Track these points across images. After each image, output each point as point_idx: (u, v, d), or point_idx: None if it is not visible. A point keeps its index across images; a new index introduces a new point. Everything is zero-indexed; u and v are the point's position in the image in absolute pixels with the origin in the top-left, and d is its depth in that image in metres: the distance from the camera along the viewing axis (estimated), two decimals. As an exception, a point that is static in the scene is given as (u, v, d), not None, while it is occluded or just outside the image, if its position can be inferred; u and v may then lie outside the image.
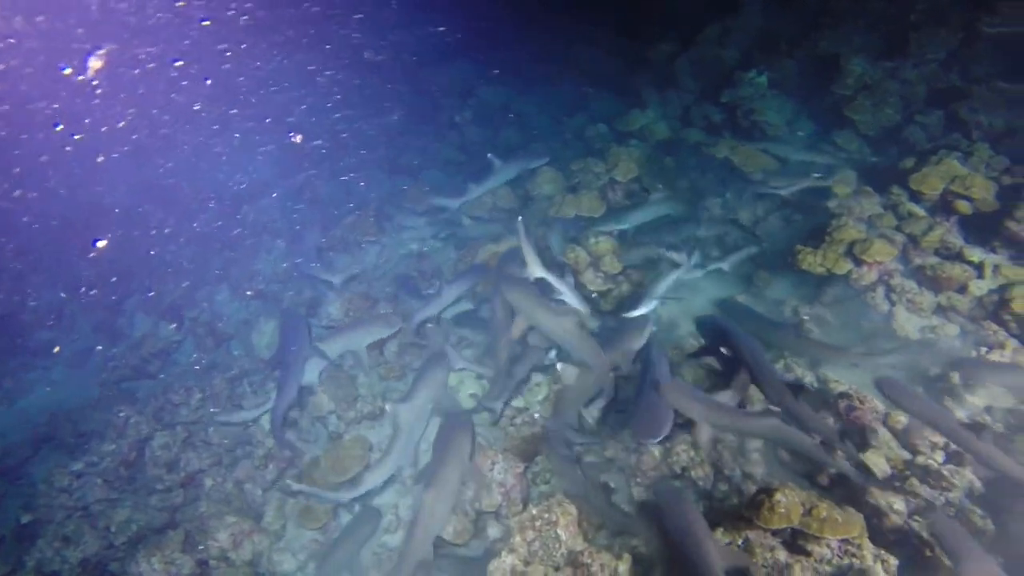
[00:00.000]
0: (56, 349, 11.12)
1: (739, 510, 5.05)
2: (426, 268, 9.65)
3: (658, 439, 5.43)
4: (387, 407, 7.19)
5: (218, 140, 11.59)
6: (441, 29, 14.23)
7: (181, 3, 10.82)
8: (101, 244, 10.52)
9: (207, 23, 10.89)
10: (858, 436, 5.57)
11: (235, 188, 11.67)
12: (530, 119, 13.25)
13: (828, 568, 4.63)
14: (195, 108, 11.30)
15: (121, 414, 8.26)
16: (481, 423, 7.15)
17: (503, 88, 14.36)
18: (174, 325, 9.97)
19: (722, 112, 10.97)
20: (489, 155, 9.66)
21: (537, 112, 13.45)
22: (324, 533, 6.88)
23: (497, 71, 14.45)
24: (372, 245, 10.28)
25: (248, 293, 9.91)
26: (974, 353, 6.04)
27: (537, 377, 7.28)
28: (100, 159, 10.61)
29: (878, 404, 5.72)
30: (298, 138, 11.51)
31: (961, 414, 5.65)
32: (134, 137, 10.93)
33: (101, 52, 10.09)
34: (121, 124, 10.66)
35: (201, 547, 6.63)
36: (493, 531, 6.25)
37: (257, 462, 7.46)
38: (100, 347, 10.93)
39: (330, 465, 7.00)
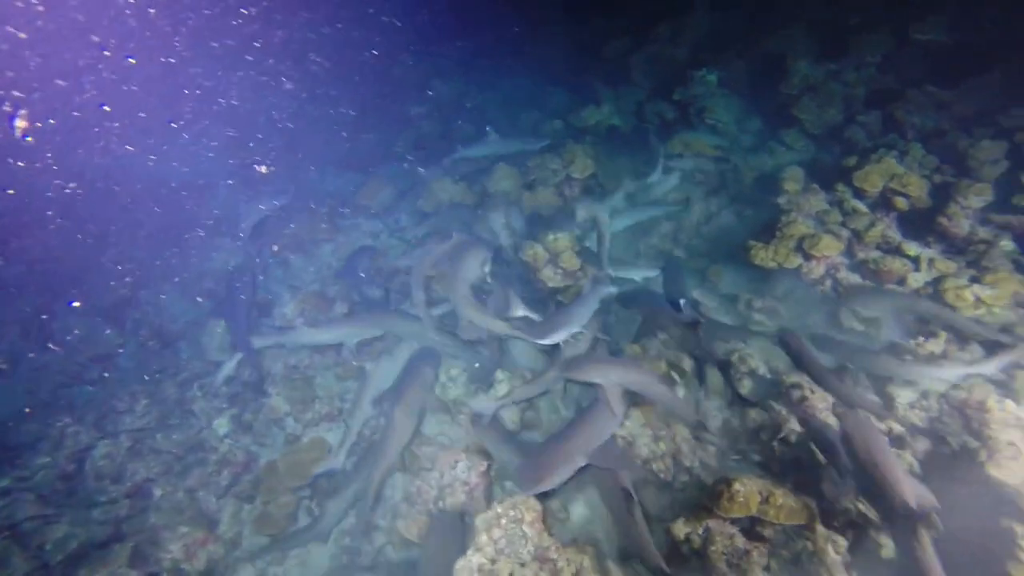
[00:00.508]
0: None
1: (700, 500, 5.19)
2: (381, 265, 9.50)
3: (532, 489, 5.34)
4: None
5: (164, 135, 11.01)
6: (394, 22, 13.97)
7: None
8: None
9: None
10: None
11: (181, 183, 11.12)
12: (486, 114, 13.19)
13: (784, 552, 4.82)
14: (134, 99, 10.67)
15: (58, 424, 7.80)
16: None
17: (458, 82, 14.26)
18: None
19: (674, 109, 11.19)
20: (488, 128, 9.94)
21: (493, 107, 13.41)
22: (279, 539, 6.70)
23: (451, 65, 14.33)
24: (326, 244, 10.03)
25: (199, 299, 9.51)
26: (911, 343, 6.37)
27: (500, 374, 7.28)
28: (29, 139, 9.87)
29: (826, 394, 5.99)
30: (264, 169, 11.13)
31: (903, 399, 5.94)
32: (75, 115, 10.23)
33: (23, 113, 9.68)
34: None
35: (152, 560, 6.33)
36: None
37: (211, 468, 7.19)
38: (32, 354, 10.28)
39: (287, 468, 6.83)
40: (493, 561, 5.02)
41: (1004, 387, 5.80)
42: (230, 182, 11.28)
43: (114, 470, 7.36)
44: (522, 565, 4.97)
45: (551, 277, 7.67)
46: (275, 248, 9.76)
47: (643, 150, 9.96)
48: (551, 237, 7.73)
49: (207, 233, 10.99)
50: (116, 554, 6.39)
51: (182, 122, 11.10)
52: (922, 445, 5.48)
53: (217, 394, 8.21)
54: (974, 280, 6.53)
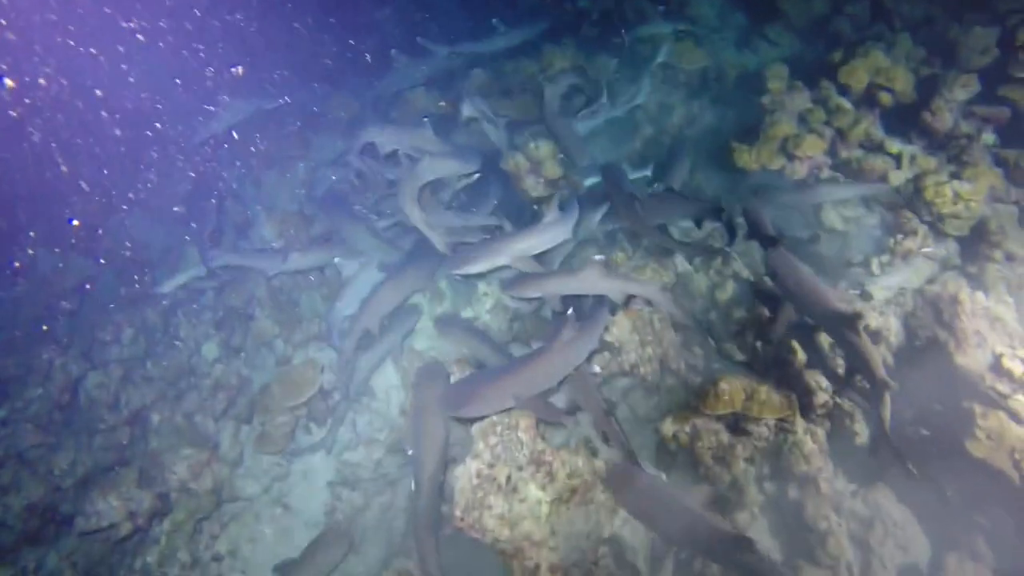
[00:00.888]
0: None
1: (687, 400, 5.44)
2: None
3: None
4: None
5: (123, 54, 10.15)
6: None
7: None
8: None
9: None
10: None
11: (145, 105, 10.40)
12: (453, 16, 12.37)
13: (766, 445, 5.14)
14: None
15: (44, 356, 7.75)
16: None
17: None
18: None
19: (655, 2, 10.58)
20: (494, 20, 9.62)
21: (459, 8, 12.55)
22: (284, 457, 6.94)
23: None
24: (299, 161, 9.65)
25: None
26: (891, 241, 6.49)
27: (484, 287, 7.31)
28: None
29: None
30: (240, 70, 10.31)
31: (882, 294, 6.15)
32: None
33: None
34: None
35: (159, 481, 6.54)
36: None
37: (205, 393, 7.29)
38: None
39: (282, 390, 6.94)
40: (491, 466, 5.26)
41: (976, 280, 6.01)
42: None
43: (109, 398, 7.43)
44: (519, 469, 5.23)
45: (533, 186, 7.54)
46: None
47: (624, 49, 9.52)
48: (532, 145, 7.51)
49: (171, 154, 10.47)
50: (125, 476, 6.58)
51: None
52: (896, 339, 5.71)
53: (203, 320, 8.17)
54: (954, 176, 6.57)
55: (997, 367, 4.73)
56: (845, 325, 4.69)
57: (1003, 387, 4.58)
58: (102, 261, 9.39)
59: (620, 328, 6.21)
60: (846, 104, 7.59)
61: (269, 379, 7.29)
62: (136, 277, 9.41)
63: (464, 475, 5.24)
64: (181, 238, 9.49)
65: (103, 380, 7.59)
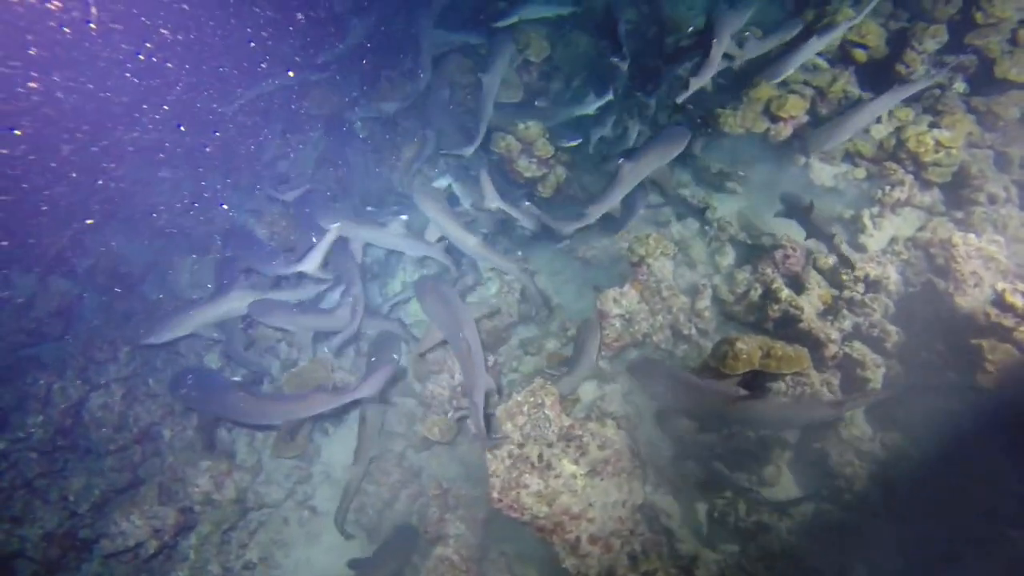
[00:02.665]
0: None
1: (705, 363, 5.58)
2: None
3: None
4: None
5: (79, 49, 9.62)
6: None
7: None
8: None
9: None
10: (793, 282, 6.17)
11: (110, 108, 9.94)
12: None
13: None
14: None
15: (41, 382, 7.52)
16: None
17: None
18: None
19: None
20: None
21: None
22: (303, 460, 6.92)
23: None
24: (281, 161, 9.47)
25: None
26: (879, 193, 6.71)
27: (488, 272, 7.35)
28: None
29: (806, 247, 6.36)
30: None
31: (874, 246, 6.38)
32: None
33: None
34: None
35: (180, 495, 6.46)
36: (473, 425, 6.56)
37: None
38: None
39: (294, 391, 6.88)
40: (521, 446, 5.36)
41: (963, 224, 6.27)
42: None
43: (115, 419, 7.27)
44: (549, 445, 5.33)
45: (527, 167, 7.57)
46: None
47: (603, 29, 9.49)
48: (521, 126, 7.53)
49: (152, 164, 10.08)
50: (144, 494, 6.48)
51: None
52: (895, 287, 5.94)
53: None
54: (933, 125, 6.80)
55: (1000, 302, 4.96)
56: None
57: (1008, 321, 4.81)
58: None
59: (628, 299, 6.33)
60: (823, 63, 7.75)
61: (278, 384, 7.22)
62: (119, 291, 9.18)
63: (496, 458, 5.31)
64: (164, 251, 9.27)
65: (106, 400, 7.42)
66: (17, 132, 9.13)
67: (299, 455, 6.86)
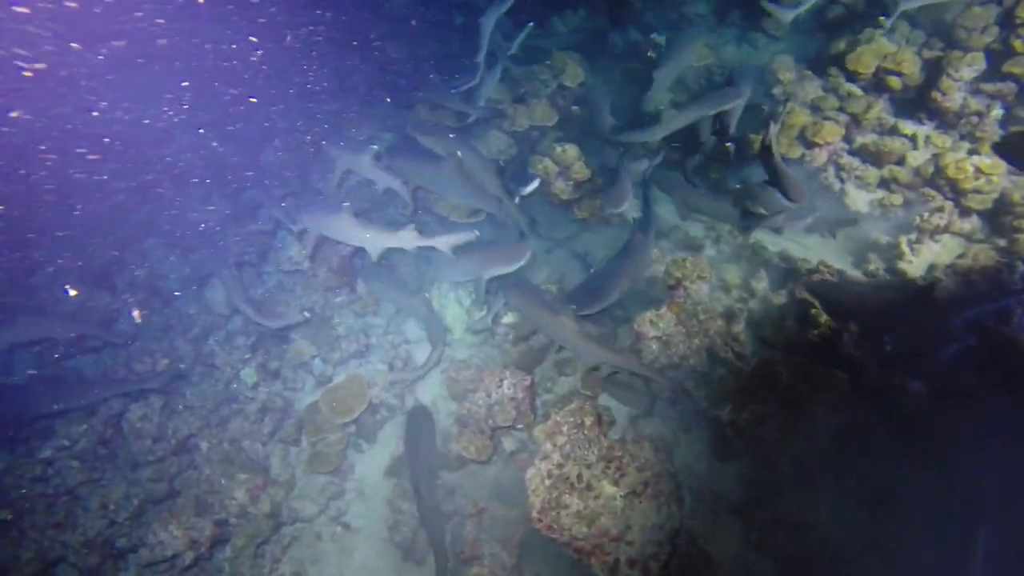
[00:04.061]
0: None
1: (743, 384, 5.58)
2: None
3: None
4: None
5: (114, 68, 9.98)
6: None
7: None
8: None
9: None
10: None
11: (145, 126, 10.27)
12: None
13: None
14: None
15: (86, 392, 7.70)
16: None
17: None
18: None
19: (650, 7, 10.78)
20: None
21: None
22: (338, 475, 6.97)
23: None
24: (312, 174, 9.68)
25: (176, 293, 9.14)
26: (917, 219, 6.71)
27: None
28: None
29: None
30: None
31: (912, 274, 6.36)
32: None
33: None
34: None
35: (216, 508, 6.53)
36: (509, 444, 6.59)
37: (251, 417, 7.29)
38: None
39: (330, 407, 6.97)
40: (560, 466, 5.38)
41: (1007, 252, 6.23)
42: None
43: (154, 430, 7.38)
44: (588, 466, 5.34)
45: (563, 189, 7.68)
46: None
47: (630, 55, 9.71)
48: (558, 149, 7.66)
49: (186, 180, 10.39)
50: (182, 506, 6.56)
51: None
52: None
53: (236, 345, 8.17)
54: (972, 152, 6.81)
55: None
56: None
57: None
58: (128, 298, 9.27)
59: (665, 321, 6.35)
60: (857, 90, 7.83)
61: (313, 399, 7.32)
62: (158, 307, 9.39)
63: (535, 477, 5.33)
64: (201, 266, 9.48)
65: (146, 412, 7.54)
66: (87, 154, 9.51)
67: (333, 471, 6.91)
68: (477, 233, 7.07)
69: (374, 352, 7.75)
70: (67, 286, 9.06)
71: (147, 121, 10.50)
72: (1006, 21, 7.55)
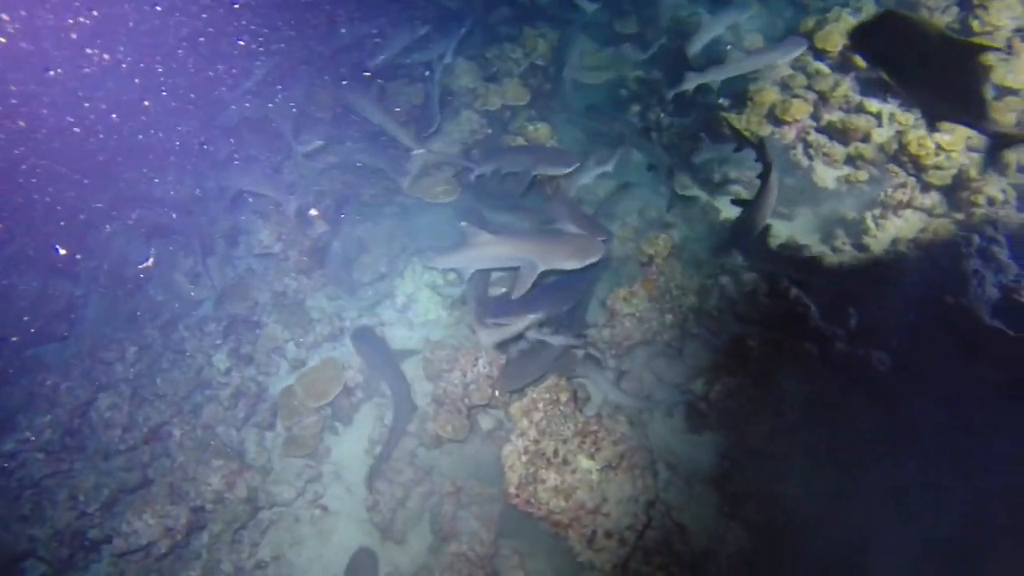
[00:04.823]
0: None
1: (715, 360, 5.69)
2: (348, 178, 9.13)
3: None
4: None
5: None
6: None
7: None
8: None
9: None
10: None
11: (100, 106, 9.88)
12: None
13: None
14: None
15: (47, 382, 7.50)
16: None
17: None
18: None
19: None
20: None
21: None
22: (314, 458, 6.93)
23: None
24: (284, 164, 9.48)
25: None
26: (881, 195, 6.87)
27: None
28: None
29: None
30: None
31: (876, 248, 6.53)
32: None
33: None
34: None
35: (192, 495, 6.46)
36: (486, 423, 6.63)
37: (224, 403, 7.20)
38: None
39: (305, 391, 6.92)
40: (537, 442, 5.43)
41: (963, 225, 6.43)
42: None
43: (124, 419, 7.25)
44: (564, 441, 5.40)
45: (537, 170, 7.65)
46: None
47: (602, 28, 9.65)
48: (531, 128, 7.63)
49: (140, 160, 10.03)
50: (156, 494, 6.47)
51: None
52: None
53: (207, 331, 8.03)
54: (934, 130, 6.97)
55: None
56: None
57: None
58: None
59: (639, 298, 6.43)
60: (825, 68, 7.92)
61: (287, 384, 7.25)
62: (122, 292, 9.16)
63: (512, 453, 5.39)
64: (166, 252, 9.25)
65: (115, 400, 7.40)
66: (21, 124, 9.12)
67: (309, 454, 6.87)
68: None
69: (348, 335, 7.69)
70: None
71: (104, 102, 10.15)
72: (963, 3, 7.72)
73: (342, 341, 7.71)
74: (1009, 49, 7.34)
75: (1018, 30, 7.33)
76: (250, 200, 8.68)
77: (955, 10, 7.78)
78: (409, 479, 6.45)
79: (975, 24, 7.45)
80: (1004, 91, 7.18)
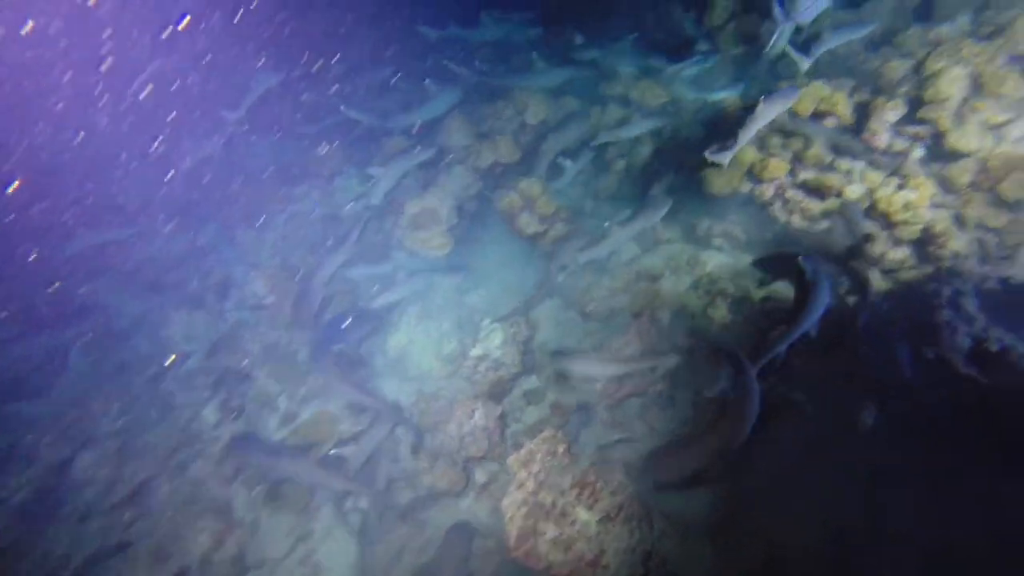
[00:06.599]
0: None
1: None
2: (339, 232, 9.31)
3: None
4: None
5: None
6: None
7: None
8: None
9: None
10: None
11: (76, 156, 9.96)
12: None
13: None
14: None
15: (28, 437, 7.31)
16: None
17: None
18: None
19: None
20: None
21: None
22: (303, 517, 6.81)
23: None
24: (279, 214, 9.64)
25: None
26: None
27: (489, 323, 7.55)
28: None
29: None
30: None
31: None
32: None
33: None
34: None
35: (177, 555, 6.27)
36: (481, 475, 6.62)
37: (214, 459, 7.08)
38: None
39: (298, 444, 6.86)
40: (535, 494, 5.46)
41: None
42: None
43: (107, 475, 7.06)
44: (562, 493, 5.44)
45: (528, 223, 7.92)
46: None
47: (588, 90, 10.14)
48: (523, 183, 7.92)
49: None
50: (133, 558, 6.26)
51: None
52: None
53: (196, 384, 7.96)
54: (900, 187, 7.43)
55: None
56: None
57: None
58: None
59: (631, 349, 6.60)
60: (800, 128, 8.43)
61: (279, 437, 7.18)
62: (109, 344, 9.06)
63: (511, 505, 5.40)
64: (157, 305, 9.23)
65: (97, 457, 7.23)
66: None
67: (300, 511, 6.75)
68: None
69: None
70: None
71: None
72: (917, 73, 8.34)
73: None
74: (960, 118, 7.94)
75: (965, 100, 7.94)
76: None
77: (912, 80, 8.40)
78: (404, 534, 6.37)
79: (928, 93, 8.05)
80: (957, 155, 7.71)
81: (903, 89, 8.40)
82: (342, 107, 9.36)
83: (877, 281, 7.04)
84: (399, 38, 12.36)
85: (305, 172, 9.87)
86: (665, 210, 7.23)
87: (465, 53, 11.27)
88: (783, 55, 8.30)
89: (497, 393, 7.00)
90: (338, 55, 11.26)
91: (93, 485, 7.02)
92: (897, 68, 8.58)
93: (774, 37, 7.31)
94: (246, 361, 7.84)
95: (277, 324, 8.12)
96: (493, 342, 7.43)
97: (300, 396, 7.64)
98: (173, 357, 8.13)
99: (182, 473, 7.14)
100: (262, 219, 9.26)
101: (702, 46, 9.57)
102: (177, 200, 9.92)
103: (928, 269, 7.05)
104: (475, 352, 7.37)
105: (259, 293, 8.34)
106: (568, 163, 8.60)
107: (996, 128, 7.46)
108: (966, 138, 7.65)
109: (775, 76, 9.52)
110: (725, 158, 6.54)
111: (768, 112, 6.85)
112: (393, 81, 10.76)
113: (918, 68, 8.16)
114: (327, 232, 9.23)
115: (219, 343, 8.20)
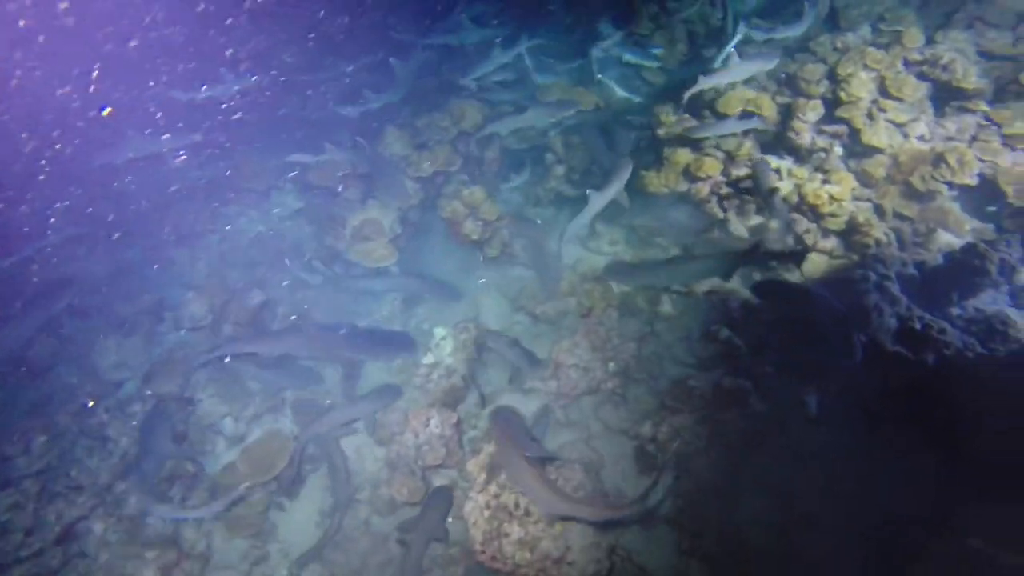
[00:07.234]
0: None
1: (661, 401, 5.98)
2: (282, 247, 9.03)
3: None
4: None
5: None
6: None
7: None
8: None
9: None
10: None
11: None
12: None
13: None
14: None
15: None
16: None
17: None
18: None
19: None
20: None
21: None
22: (258, 539, 6.51)
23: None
24: (211, 235, 9.22)
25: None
26: (790, 240, 7.62)
27: (440, 331, 7.47)
28: None
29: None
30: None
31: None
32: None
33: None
34: None
35: (119, 596, 5.87)
36: (440, 483, 6.52)
37: (158, 488, 6.67)
38: None
39: (249, 467, 6.57)
40: (497, 496, 5.43)
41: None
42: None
43: (28, 520, 6.50)
44: (524, 493, 5.43)
45: (473, 229, 7.92)
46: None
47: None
48: (466, 191, 7.94)
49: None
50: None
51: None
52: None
53: (132, 412, 7.50)
54: (825, 182, 7.89)
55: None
56: None
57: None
58: None
59: (582, 348, 6.68)
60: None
61: (228, 460, 6.86)
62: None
63: (475, 510, 5.35)
64: (81, 332, 8.63)
65: (17, 500, 6.65)
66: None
67: (254, 534, 6.46)
68: None
69: (291, 406, 7.41)
70: None
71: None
72: (831, 76, 8.91)
73: (284, 412, 7.43)
74: (871, 117, 8.52)
75: (874, 101, 8.53)
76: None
77: (826, 83, 8.96)
78: (365, 548, 6.19)
79: (842, 95, 8.61)
80: (871, 150, 8.26)
81: (819, 91, 8.95)
82: None
83: (808, 271, 7.42)
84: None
85: (239, 187, 9.50)
86: (630, 168, 7.39)
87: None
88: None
89: (451, 400, 6.92)
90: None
91: (11, 532, 6.44)
92: (813, 71, 9.10)
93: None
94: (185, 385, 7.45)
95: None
96: (444, 350, 7.36)
97: (248, 416, 7.33)
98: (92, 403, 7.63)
99: (119, 508, 6.68)
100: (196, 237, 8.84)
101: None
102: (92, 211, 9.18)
103: (854, 257, 7.50)
104: (427, 360, 7.28)
105: (197, 315, 7.94)
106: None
107: (901, 126, 8.07)
108: (878, 135, 8.21)
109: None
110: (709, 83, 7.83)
111: (747, 68, 7.91)
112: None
113: (831, 73, 8.71)
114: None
115: (153, 368, 7.75)
